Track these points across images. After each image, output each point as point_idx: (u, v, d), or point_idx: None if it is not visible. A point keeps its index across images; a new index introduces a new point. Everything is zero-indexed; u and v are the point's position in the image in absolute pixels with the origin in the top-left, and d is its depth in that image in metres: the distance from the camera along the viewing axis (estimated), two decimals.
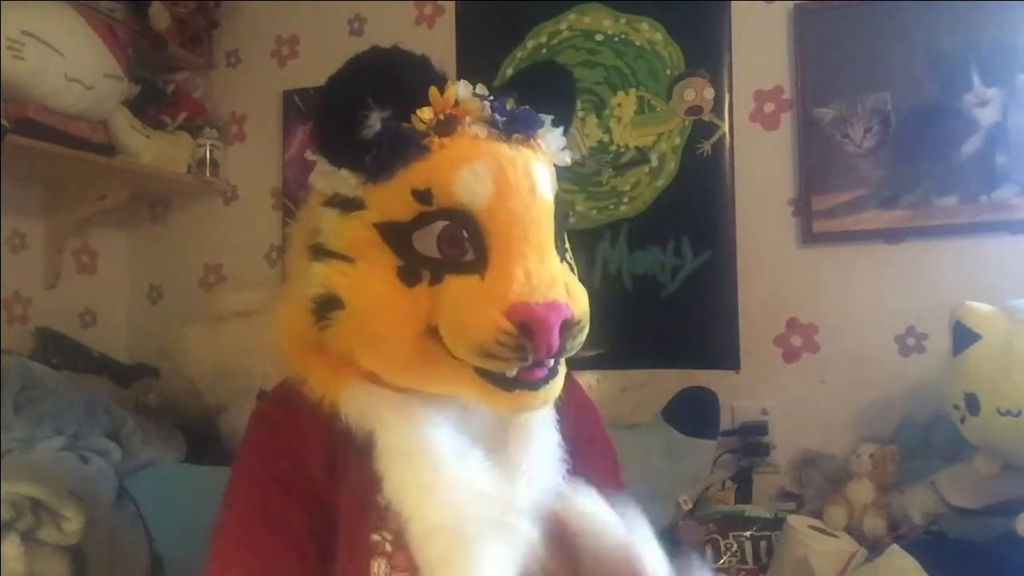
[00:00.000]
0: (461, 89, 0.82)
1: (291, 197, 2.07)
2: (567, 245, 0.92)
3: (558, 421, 0.91)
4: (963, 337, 1.30)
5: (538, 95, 0.89)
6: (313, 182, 0.84)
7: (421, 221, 0.78)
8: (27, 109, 1.61)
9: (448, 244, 0.78)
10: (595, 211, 1.83)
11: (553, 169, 0.88)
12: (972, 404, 1.27)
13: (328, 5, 2.08)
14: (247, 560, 0.83)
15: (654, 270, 1.78)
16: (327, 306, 0.80)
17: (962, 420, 1.32)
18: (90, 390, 1.57)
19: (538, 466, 0.86)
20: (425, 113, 0.79)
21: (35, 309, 1.92)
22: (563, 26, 1.88)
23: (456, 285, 0.77)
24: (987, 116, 1.57)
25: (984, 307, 1.30)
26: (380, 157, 0.78)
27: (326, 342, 0.83)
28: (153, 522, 1.41)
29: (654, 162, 1.80)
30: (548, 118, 0.88)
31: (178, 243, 2.19)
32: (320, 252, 0.82)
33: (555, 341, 0.75)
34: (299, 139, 2.07)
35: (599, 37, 1.85)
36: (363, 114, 0.77)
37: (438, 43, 1.96)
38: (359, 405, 0.82)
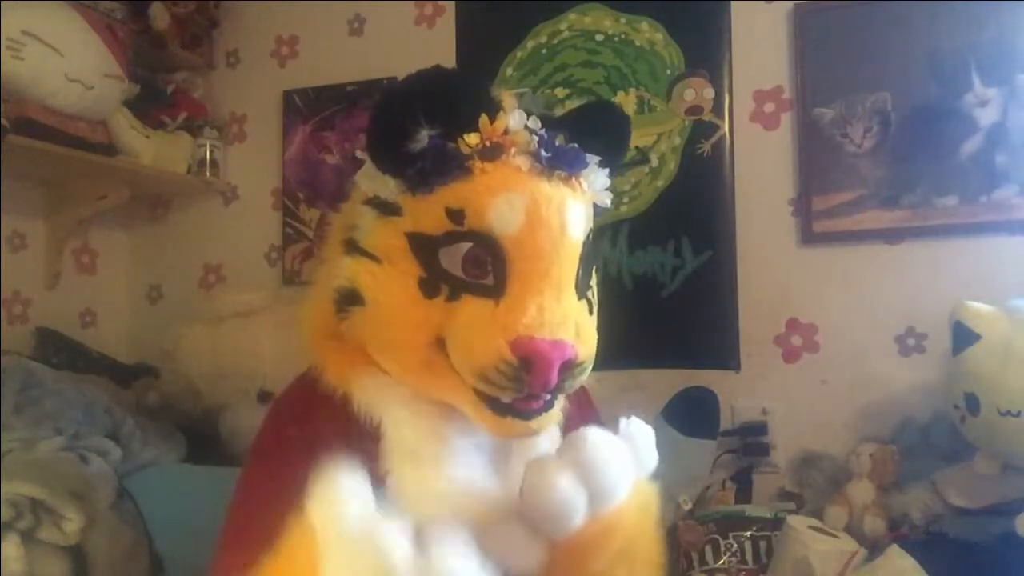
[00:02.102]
0: (514, 119, 0.84)
1: (291, 197, 2.07)
2: (593, 282, 0.94)
3: (563, 429, 0.92)
4: (963, 337, 1.30)
5: (591, 134, 0.90)
6: (358, 180, 0.87)
7: (450, 238, 0.81)
8: (27, 109, 1.61)
9: (472, 265, 0.81)
10: None
11: (591, 209, 0.89)
12: (972, 404, 1.27)
13: (328, 5, 2.08)
14: (259, 548, 0.84)
15: (654, 270, 1.78)
16: (348, 299, 0.84)
17: (962, 420, 1.32)
18: (90, 390, 1.56)
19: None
20: (472, 138, 0.81)
21: (35, 309, 1.92)
22: (563, 26, 1.88)
23: (471, 306, 0.80)
24: (987, 116, 1.57)
25: (984, 307, 1.30)
26: (423, 172, 0.81)
27: (346, 334, 0.86)
28: (153, 522, 1.41)
29: (654, 162, 1.79)
30: (594, 159, 0.89)
31: (178, 243, 2.19)
32: (352, 247, 0.85)
33: (553, 379, 0.78)
34: (299, 139, 2.07)
35: (599, 37, 1.85)
36: (413, 128, 0.79)
37: (438, 43, 1.96)
38: (370, 395, 0.85)
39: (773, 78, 1.74)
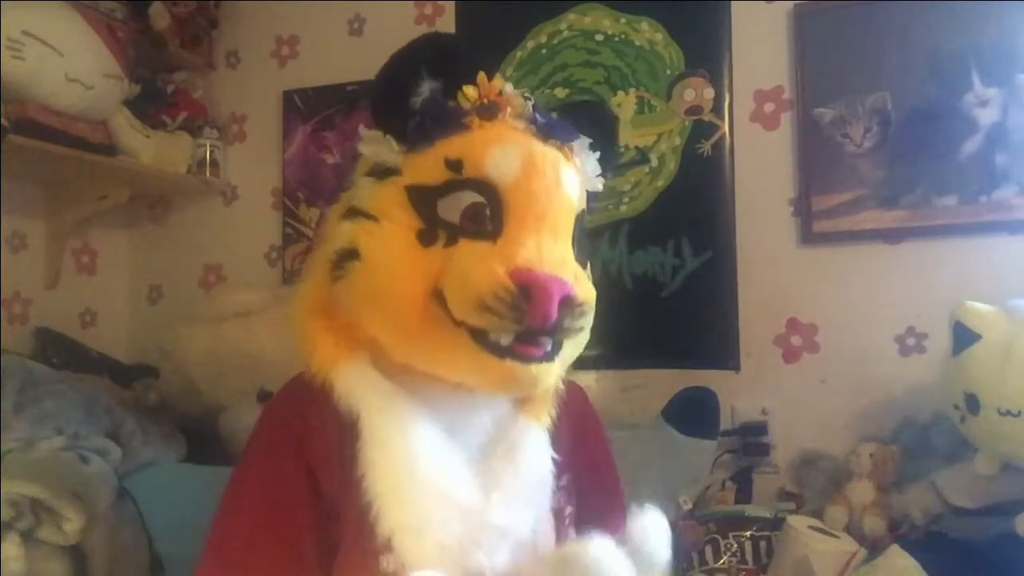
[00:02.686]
0: (509, 87, 0.88)
1: (291, 197, 2.07)
2: (588, 264, 0.94)
3: (553, 439, 0.92)
4: (963, 337, 1.30)
5: (581, 131, 0.93)
6: (361, 150, 0.90)
7: (448, 187, 0.82)
8: (27, 109, 1.61)
9: (471, 219, 0.82)
10: (595, 211, 1.83)
11: (583, 188, 0.91)
12: (972, 404, 1.27)
13: (328, 5, 2.08)
14: (243, 556, 0.84)
15: (654, 270, 1.78)
16: (345, 257, 0.84)
17: (962, 420, 1.32)
18: (90, 390, 1.56)
19: (519, 487, 0.86)
20: (471, 91, 0.85)
21: (35, 309, 1.92)
22: (563, 26, 1.88)
23: (468, 247, 0.81)
24: (987, 116, 1.57)
25: (984, 307, 1.30)
26: (423, 125, 0.84)
27: (335, 302, 0.86)
28: (153, 522, 1.41)
29: (654, 162, 1.79)
30: (586, 139, 0.92)
31: (178, 243, 2.19)
32: (351, 212, 0.86)
33: (552, 311, 0.76)
34: (299, 139, 2.07)
35: (599, 37, 1.85)
36: (415, 83, 0.83)
37: None
38: (351, 386, 0.84)
39: (773, 78, 1.74)
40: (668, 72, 1.80)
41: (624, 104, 1.82)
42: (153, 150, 1.94)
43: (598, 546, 0.78)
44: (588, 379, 1.74)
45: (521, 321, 0.77)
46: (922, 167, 1.61)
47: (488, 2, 1.95)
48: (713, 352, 1.73)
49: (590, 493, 1.01)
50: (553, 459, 0.91)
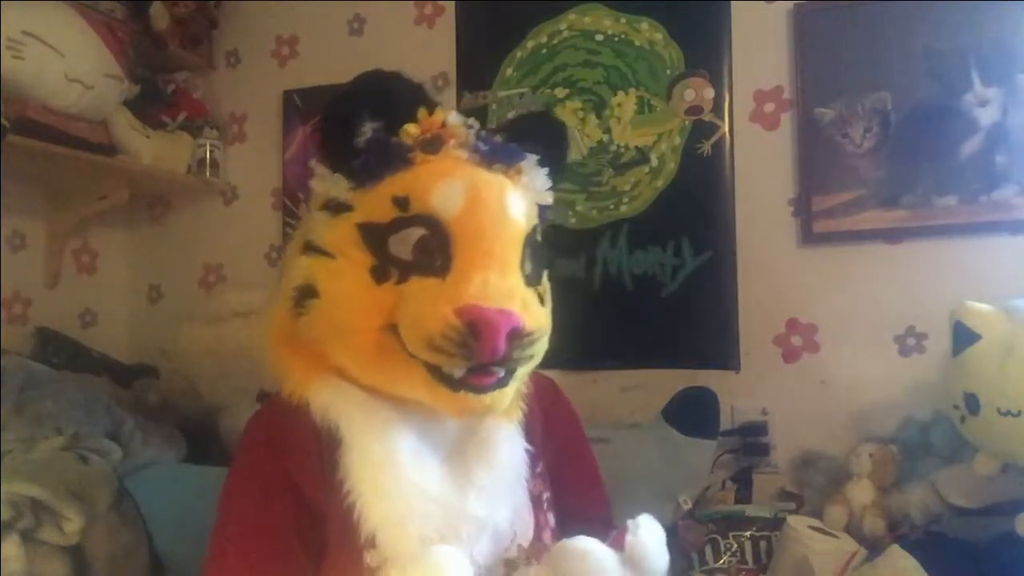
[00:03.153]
0: (452, 117, 0.90)
1: (291, 197, 2.07)
2: (544, 283, 0.97)
3: (525, 431, 0.95)
4: (963, 337, 1.30)
5: (532, 144, 0.96)
6: (313, 187, 0.93)
7: (397, 225, 0.86)
8: (27, 109, 1.61)
9: (421, 252, 0.84)
10: (595, 211, 1.83)
11: (533, 207, 0.94)
12: (972, 404, 1.27)
13: (328, 5, 2.08)
14: (241, 568, 0.86)
15: (654, 270, 1.78)
16: (304, 295, 0.87)
17: (962, 420, 1.32)
18: (90, 390, 1.56)
19: (494, 481, 0.89)
20: (412, 128, 0.87)
21: (35, 309, 1.92)
22: (563, 26, 1.88)
23: (418, 284, 0.83)
24: (987, 116, 1.57)
25: (984, 307, 1.30)
26: (368, 164, 0.87)
27: (302, 335, 0.89)
28: (153, 522, 1.41)
29: (654, 162, 1.79)
30: (532, 157, 0.94)
31: (178, 243, 2.19)
32: (308, 248, 0.89)
33: (500, 345, 0.79)
34: (299, 139, 2.07)
35: (599, 37, 1.85)
36: (357, 123, 0.86)
37: (438, 43, 1.96)
38: (328, 400, 0.87)
39: (773, 78, 1.74)
40: (668, 72, 1.80)
41: (624, 104, 1.82)
42: (153, 150, 1.94)
43: (588, 540, 0.82)
44: (587, 379, 1.75)
45: (471, 358, 0.80)
46: (922, 167, 1.61)
47: (488, 2, 1.95)
48: (713, 352, 1.73)
49: (567, 476, 1.05)
50: (527, 450, 0.94)
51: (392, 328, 0.84)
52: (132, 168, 1.89)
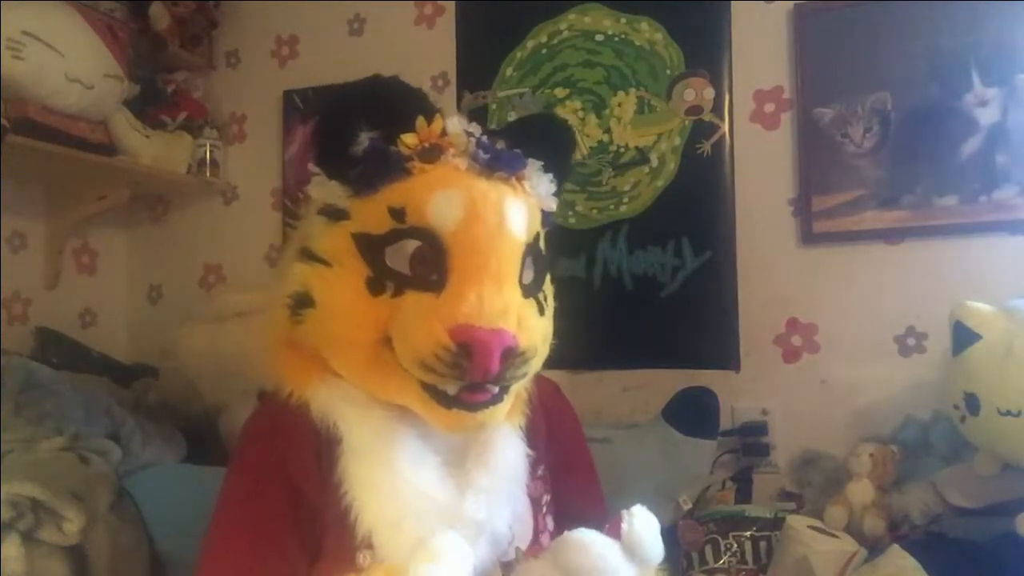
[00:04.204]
0: (452, 124, 0.88)
1: (291, 197, 2.07)
2: (547, 287, 0.96)
3: (526, 434, 0.94)
4: (963, 337, 1.30)
5: (537, 147, 0.94)
6: (310, 192, 0.92)
7: (392, 236, 0.84)
8: (27, 109, 1.61)
9: (418, 263, 0.83)
10: (595, 211, 1.83)
11: (537, 213, 0.92)
12: (972, 404, 1.27)
13: (328, 5, 2.08)
14: (236, 566, 0.85)
15: (654, 270, 1.78)
16: (301, 303, 0.87)
17: (962, 420, 1.32)
18: (90, 390, 1.56)
19: (493, 483, 0.88)
20: (410, 138, 0.85)
21: (35, 309, 1.93)
22: (563, 26, 1.88)
23: (413, 299, 0.82)
24: (987, 116, 1.57)
25: (984, 307, 1.30)
26: (365, 173, 0.85)
27: (299, 338, 0.89)
28: (153, 522, 1.41)
29: (654, 162, 1.79)
30: (535, 163, 0.92)
31: (178, 243, 2.19)
32: (305, 254, 0.88)
33: (494, 366, 0.79)
34: (299, 139, 2.07)
35: (599, 37, 1.85)
36: (354, 131, 0.84)
37: (438, 43, 1.96)
38: (326, 399, 0.87)
39: (773, 78, 1.74)
40: (668, 72, 1.80)
41: (624, 104, 1.82)
42: (153, 150, 1.94)
43: (588, 531, 0.81)
44: (588, 379, 1.75)
45: (463, 378, 0.80)
46: (922, 167, 1.61)
47: (488, 2, 1.95)
48: (713, 352, 1.73)
49: (567, 478, 1.04)
50: (528, 454, 0.94)
51: (387, 341, 0.83)
52: (132, 168, 1.89)
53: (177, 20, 2.03)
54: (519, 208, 0.89)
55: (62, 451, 1.37)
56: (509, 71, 1.91)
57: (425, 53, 1.97)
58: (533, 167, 0.93)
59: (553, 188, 0.96)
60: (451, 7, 1.97)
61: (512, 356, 0.80)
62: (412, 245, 0.84)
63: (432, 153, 0.86)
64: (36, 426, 1.38)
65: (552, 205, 0.96)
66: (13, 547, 1.20)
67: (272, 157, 2.11)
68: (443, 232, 0.83)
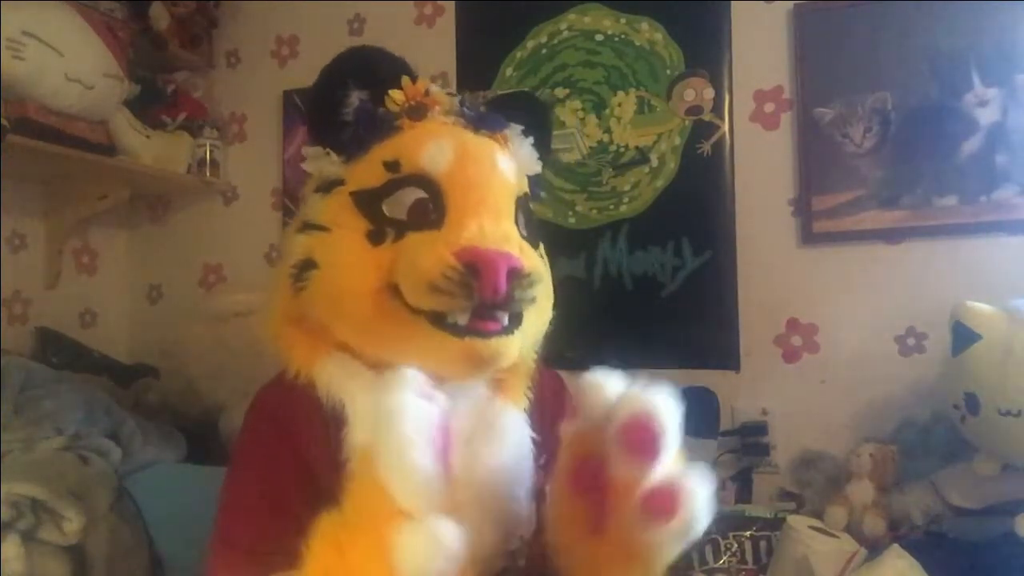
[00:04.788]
0: (434, 87, 0.92)
1: (291, 197, 2.07)
2: (540, 249, 0.97)
3: (531, 417, 0.94)
4: (963, 337, 1.30)
5: (515, 121, 0.97)
6: (307, 168, 0.94)
7: (389, 187, 0.87)
8: (27, 109, 1.61)
9: (417, 212, 0.85)
10: (595, 211, 1.83)
11: (523, 175, 0.95)
12: (972, 404, 1.28)
13: (328, 5, 2.08)
14: (248, 541, 0.85)
15: (654, 270, 1.78)
16: (303, 268, 0.88)
17: (962, 420, 1.32)
18: (90, 390, 1.56)
19: (499, 467, 0.87)
20: (397, 95, 0.89)
21: (35, 309, 1.92)
22: (563, 26, 1.88)
23: (415, 238, 0.84)
24: (987, 116, 1.57)
25: (984, 307, 1.30)
26: (356, 133, 0.89)
27: (303, 312, 0.89)
28: (153, 522, 1.41)
29: (654, 162, 1.80)
30: (516, 127, 0.96)
31: (178, 243, 2.19)
32: (305, 226, 0.90)
33: (501, 282, 0.79)
34: (299, 139, 2.07)
35: (599, 37, 1.85)
36: (343, 96, 0.88)
37: (438, 43, 1.96)
38: (333, 377, 0.86)
39: (773, 78, 1.74)
40: (668, 72, 1.80)
41: (624, 104, 1.82)
42: (153, 150, 1.94)
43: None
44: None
45: (472, 297, 0.79)
46: (922, 167, 1.61)
47: (488, 2, 1.95)
48: (713, 352, 1.73)
49: None
50: (532, 439, 0.93)
51: (392, 288, 0.83)
52: (132, 168, 1.89)
53: (177, 20, 2.03)
54: (507, 159, 0.92)
55: (62, 451, 1.37)
56: (509, 71, 1.91)
57: (425, 53, 1.96)
58: (514, 130, 0.96)
59: (534, 154, 0.98)
60: (451, 7, 1.97)
61: (518, 277, 0.80)
62: (409, 193, 0.86)
63: (419, 111, 0.90)
64: (36, 426, 1.38)
65: (536, 168, 0.99)
66: (13, 547, 1.20)
67: (272, 157, 2.11)
68: (437, 174, 0.86)
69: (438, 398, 0.69)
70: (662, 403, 0.71)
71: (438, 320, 0.82)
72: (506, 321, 0.84)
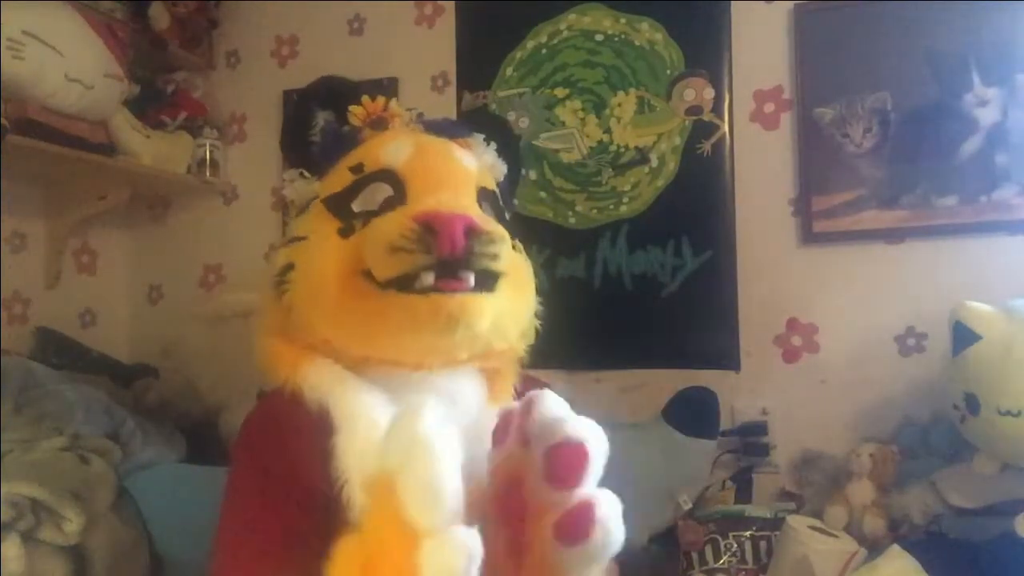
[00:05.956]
0: (393, 103, 1.01)
1: None
2: (517, 243, 0.99)
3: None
4: (963, 337, 1.30)
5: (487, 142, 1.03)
6: (286, 194, 1.03)
7: (356, 187, 0.93)
8: (27, 109, 1.61)
9: (382, 202, 0.91)
10: (595, 211, 1.83)
11: (487, 171, 1.00)
12: (972, 404, 1.28)
13: (328, 5, 2.08)
14: (248, 560, 0.85)
15: (654, 270, 1.78)
16: (284, 272, 0.94)
17: (962, 420, 1.32)
18: (90, 390, 1.56)
19: (484, 470, 0.86)
20: (357, 110, 0.98)
21: (35, 309, 1.92)
22: (563, 26, 1.88)
23: (379, 219, 0.89)
24: (987, 116, 1.57)
25: (984, 307, 1.30)
26: (323, 148, 0.98)
27: (287, 321, 0.93)
28: (153, 522, 1.41)
29: (654, 162, 1.80)
30: (479, 135, 1.02)
31: (178, 243, 2.19)
32: (287, 243, 0.98)
33: (457, 236, 0.82)
34: None
35: (599, 37, 1.85)
36: (310, 116, 0.99)
37: (438, 43, 1.96)
38: (317, 382, 0.89)
39: (773, 78, 1.74)
40: (668, 72, 1.80)
41: (624, 104, 1.82)
42: (153, 150, 1.94)
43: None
44: (589, 379, 1.75)
45: (430, 251, 0.82)
46: (922, 167, 1.61)
47: (488, 2, 1.95)
48: (713, 352, 1.73)
49: None
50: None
51: (363, 273, 0.87)
52: (132, 168, 1.89)
53: (177, 20, 2.03)
54: (467, 155, 0.98)
55: (62, 451, 1.37)
56: (509, 71, 1.91)
57: (425, 53, 1.97)
58: (477, 138, 1.02)
59: (498, 162, 1.03)
60: (451, 7, 1.97)
61: (476, 233, 0.83)
62: (374, 189, 0.92)
63: (380, 123, 0.98)
64: (36, 426, 1.38)
65: (499, 174, 1.03)
66: (13, 547, 1.20)
67: (272, 157, 2.10)
68: (398, 166, 0.92)
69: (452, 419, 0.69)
70: (589, 435, 0.69)
71: (406, 286, 0.84)
72: (472, 282, 0.85)
